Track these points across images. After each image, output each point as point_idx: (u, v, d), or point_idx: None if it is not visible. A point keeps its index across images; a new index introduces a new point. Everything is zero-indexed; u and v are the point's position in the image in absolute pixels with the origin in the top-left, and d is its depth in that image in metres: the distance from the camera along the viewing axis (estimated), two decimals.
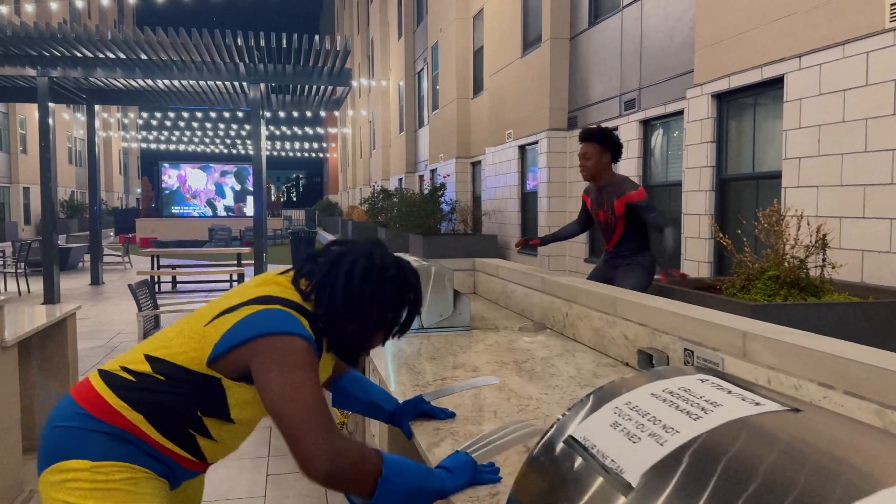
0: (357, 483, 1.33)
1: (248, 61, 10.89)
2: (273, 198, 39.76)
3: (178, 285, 12.97)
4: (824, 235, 3.98)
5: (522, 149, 11.95)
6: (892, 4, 4.57)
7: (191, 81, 11.54)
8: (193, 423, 1.48)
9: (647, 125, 8.45)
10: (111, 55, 10.45)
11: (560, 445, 1.04)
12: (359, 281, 1.52)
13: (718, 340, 2.24)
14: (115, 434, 1.42)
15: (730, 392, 1.15)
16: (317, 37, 10.12)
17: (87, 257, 17.13)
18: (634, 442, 0.91)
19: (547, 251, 10.80)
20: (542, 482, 1.01)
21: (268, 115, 14.63)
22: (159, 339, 1.51)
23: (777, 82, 5.63)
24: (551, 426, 1.26)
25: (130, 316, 9.02)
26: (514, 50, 12.13)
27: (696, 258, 6.71)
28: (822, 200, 5.11)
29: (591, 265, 10.01)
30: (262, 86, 11.22)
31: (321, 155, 57.37)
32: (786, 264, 4.01)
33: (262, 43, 10.08)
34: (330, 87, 11.81)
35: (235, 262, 13.48)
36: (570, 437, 1.05)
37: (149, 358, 1.47)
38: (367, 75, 34.09)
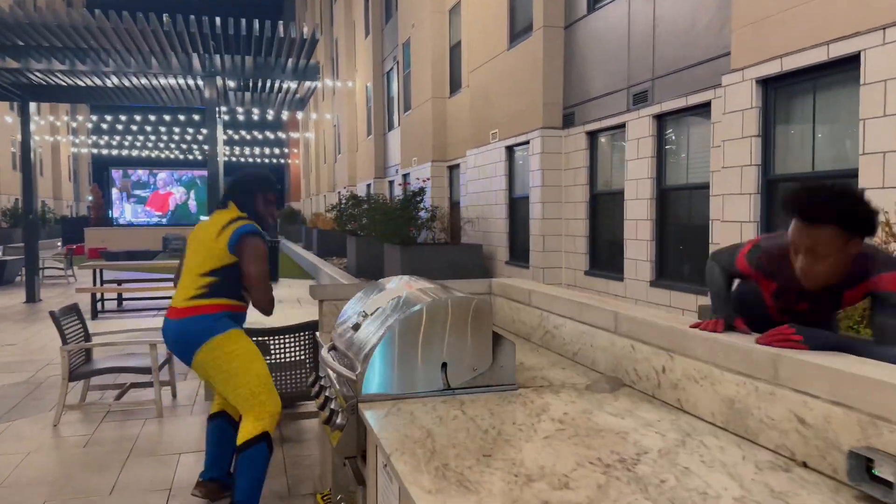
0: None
1: (202, 52, 9.63)
2: None
3: (125, 303, 11.59)
4: None
5: (510, 150, 10.92)
6: None
7: (140, 78, 10.23)
8: (241, 286, 3.24)
9: (662, 120, 7.47)
10: (44, 43, 9.11)
11: None
12: (249, 178, 3.36)
13: None
14: (231, 315, 3.22)
15: None
16: (280, 23, 8.94)
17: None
18: None
19: (540, 262, 9.77)
20: None
21: (226, 117, 13.37)
22: (197, 266, 3.18)
23: (850, 61, 4.67)
24: None
25: None
26: (500, 42, 11.09)
27: None
28: None
29: (592, 278, 8.99)
30: (219, 81, 9.97)
31: (282, 160, 55.74)
32: None
33: (219, 31, 8.84)
34: (294, 84, 10.62)
35: None
36: None
37: (204, 275, 3.14)
38: (331, 77, 32.85)
